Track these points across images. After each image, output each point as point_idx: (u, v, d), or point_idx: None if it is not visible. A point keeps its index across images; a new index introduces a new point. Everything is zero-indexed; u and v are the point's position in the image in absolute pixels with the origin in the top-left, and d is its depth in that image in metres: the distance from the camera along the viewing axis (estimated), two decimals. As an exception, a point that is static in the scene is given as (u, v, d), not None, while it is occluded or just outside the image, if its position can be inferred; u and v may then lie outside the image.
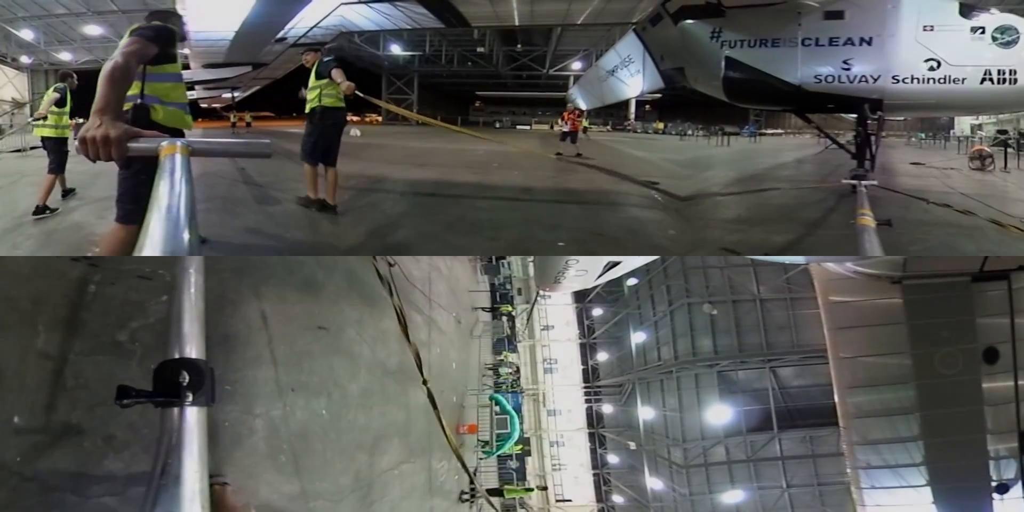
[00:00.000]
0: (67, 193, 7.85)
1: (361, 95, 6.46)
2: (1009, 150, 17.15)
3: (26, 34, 22.67)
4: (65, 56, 24.38)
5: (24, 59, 24.51)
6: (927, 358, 7.44)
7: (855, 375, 8.11)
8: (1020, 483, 7.35)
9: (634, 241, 6.31)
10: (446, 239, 6.17)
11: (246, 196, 7.84)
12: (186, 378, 1.92)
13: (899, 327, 7.46)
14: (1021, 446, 7.22)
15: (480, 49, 34.38)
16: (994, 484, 7.54)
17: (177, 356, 2.00)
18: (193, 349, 2.04)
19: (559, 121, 17.94)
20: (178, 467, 1.79)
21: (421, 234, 6.35)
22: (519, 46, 35.85)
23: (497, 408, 14.60)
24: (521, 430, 16.04)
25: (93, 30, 22.44)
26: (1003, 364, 7.13)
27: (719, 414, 18.17)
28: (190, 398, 1.90)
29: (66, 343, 2.97)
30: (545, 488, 22.35)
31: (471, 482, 8.81)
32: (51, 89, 7.70)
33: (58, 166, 7.54)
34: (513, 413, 14.97)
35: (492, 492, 13.36)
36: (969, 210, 6.32)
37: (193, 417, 1.90)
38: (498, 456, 15.54)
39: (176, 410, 1.89)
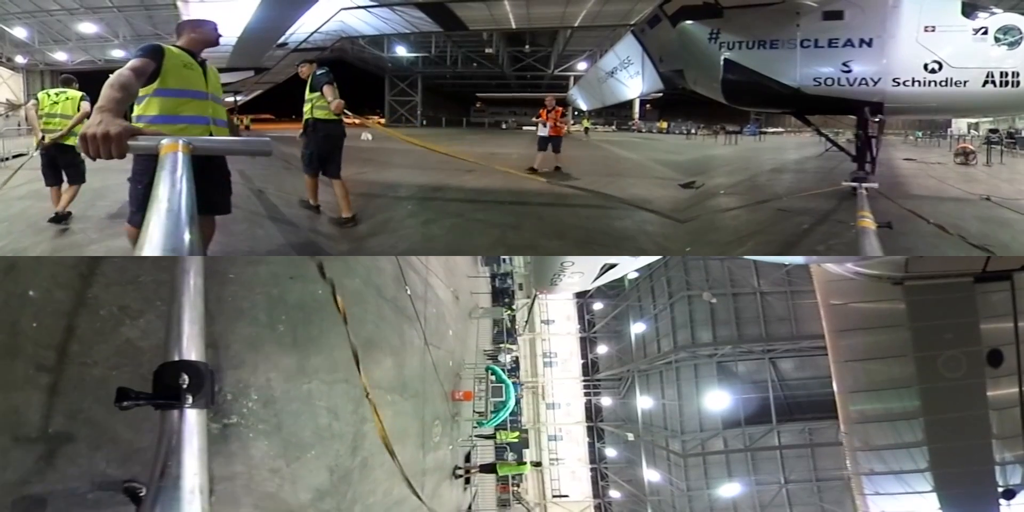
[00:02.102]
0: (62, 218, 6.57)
1: (350, 114, 6.40)
2: (998, 147, 18.92)
3: (19, 32, 21.71)
4: (61, 56, 23.57)
5: (19, 59, 23.56)
6: (930, 361, 7.40)
7: (857, 379, 8.07)
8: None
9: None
10: (603, 246, 6.19)
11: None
12: (186, 380, 1.91)
13: (901, 330, 7.42)
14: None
15: (488, 50, 34.40)
16: (1001, 490, 7.48)
17: (177, 358, 1.99)
18: (193, 351, 2.03)
19: (535, 119, 12.12)
20: (178, 469, 1.78)
21: (579, 242, 6.30)
22: (527, 47, 35.88)
23: (493, 378, 14.76)
24: (517, 401, 16.13)
25: (88, 28, 21.56)
26: (1007, 367, 7.08)
27: (718, 399, 18.16)
28: (190, 400, 1.89)
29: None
30: (539, 464, 22.39)
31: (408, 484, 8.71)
32: (80, 98, 6.96)
33: (80, 176, 6.93)
34: (509, 382, 15.13)
35: (485, 468, 13.36)
36: (964, 236, 6.40)
37: (193, 419, 1.89)
38: (496, 447, 15.74)
39: (176, 412, 1.88)
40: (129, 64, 3.05)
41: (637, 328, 22.94)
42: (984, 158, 17.44)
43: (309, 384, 4.54)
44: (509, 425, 17.74)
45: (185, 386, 1.90)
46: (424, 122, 38.27)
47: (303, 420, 4.45)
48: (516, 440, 17.41)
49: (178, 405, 1.88)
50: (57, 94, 6.95)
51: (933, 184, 11.58)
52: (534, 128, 12.30)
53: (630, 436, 22.88)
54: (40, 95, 7.06)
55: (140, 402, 1.91)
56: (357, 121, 6.91)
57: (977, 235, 6.19)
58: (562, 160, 12.10)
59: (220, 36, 3.68)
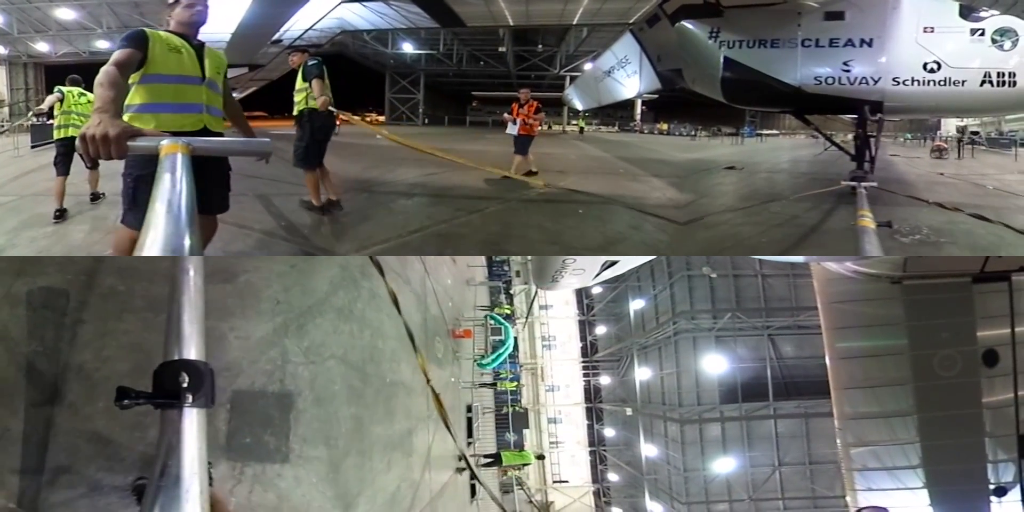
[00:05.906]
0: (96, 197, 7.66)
1: (335, 110, 6.28)
2: (971, 146, 23.03)
3: (-3, 18, 20.23)
4: (43, 47, 22.23)
5: (0, 50, 22.37)
6: (926, 360, 7.42)
7: (853, 376, 8.09)
8: (1018, 486, 7.34)
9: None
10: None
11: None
12: (186, 380, 1.91)
13: (898, 328, 7.45)
14: (1020, 449, 7.21)
15: (501, 49, 34.08)
16: (992, 487, 7.53)
17: (177, 358, 1.99)
18: (192, 351, 2.03)
19: (506, 116, 10.48)
20: (178, 468, 1.79)
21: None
22: (540, 47, 35.54)
23: (492, 323, 15.16)
24: (517, 378, 16.66)
25: (66, 14, 20.21)
26: (1003, 367, 7.12)
27: (715, 364, 18.33)
28: (190, 400, 1.89)
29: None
30: (542, 457, 22.71)
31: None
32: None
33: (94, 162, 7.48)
34: (507, 325, 15.50)
35: (489, 458, 13.51)
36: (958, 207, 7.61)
37: (193, 419, 1.90)
38: (495, 393, 16.33)
39: (176, 412, 1.88)
40: (113, 58, 2.87)
41: (636, 305, 23.10)
42: (956, 154, 21.37)
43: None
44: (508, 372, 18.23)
45: (185, 385, 1.90)
46: (426, 121, 37.96)
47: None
48: (514, 389, 17.91)
49: (178, 405, 1.88)
50: (80, 95, 7.57)
51: (907, 169, 15.67)
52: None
53: (629, 411, 23.18)
54: (65, 91, 7.51)
55: (140, 402, 1.90)
56: (345, 118, 6.84)
57: (924, 189, 9.31)
58: (527, 164, 10.18)
59: (205, 10, 3.36)
